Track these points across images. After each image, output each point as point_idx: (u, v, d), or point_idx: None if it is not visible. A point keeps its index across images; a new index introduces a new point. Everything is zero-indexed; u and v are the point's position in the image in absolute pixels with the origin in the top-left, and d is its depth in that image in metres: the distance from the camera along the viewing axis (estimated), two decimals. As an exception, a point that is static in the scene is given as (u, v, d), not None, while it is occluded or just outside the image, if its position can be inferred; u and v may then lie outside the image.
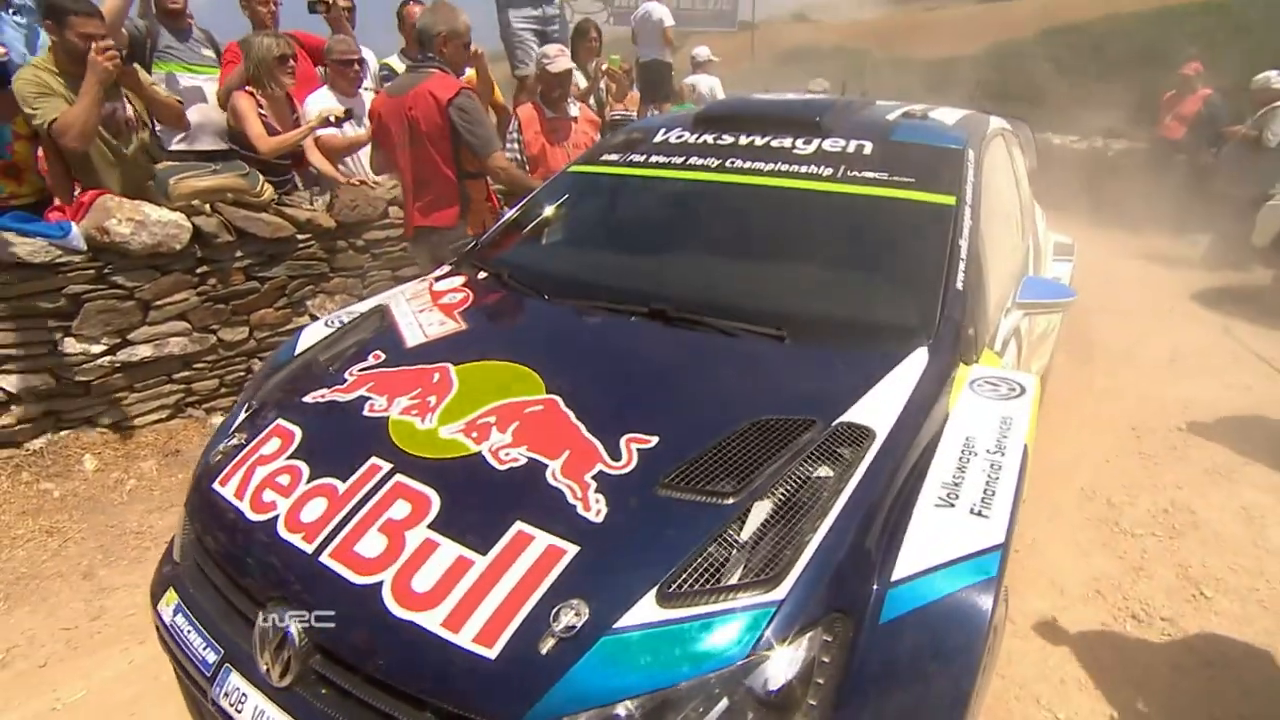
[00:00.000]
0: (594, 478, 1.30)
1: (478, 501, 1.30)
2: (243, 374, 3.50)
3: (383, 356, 1.77)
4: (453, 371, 1.65)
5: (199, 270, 3.24)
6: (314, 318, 3.59)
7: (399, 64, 4.11)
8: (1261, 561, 2.52)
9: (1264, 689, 2.02)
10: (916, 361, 1.56)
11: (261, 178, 3.42)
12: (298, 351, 1.94)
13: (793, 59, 14.73)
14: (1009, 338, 2.05)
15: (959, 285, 1.74)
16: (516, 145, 3.89)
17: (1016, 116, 3.52)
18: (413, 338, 1.85)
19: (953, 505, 1.26)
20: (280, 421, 1.60)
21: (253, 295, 3.44)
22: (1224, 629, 2.23)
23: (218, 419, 3.36)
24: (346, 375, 1.71)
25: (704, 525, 1.19)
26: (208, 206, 3.24)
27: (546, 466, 1.34)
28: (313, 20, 4.16)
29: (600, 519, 1.23)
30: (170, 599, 1.47)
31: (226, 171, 3.31)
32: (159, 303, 3.14)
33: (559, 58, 3.83)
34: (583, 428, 1.42)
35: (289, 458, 1.49)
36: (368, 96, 3.95)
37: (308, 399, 1.66)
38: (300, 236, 3.52)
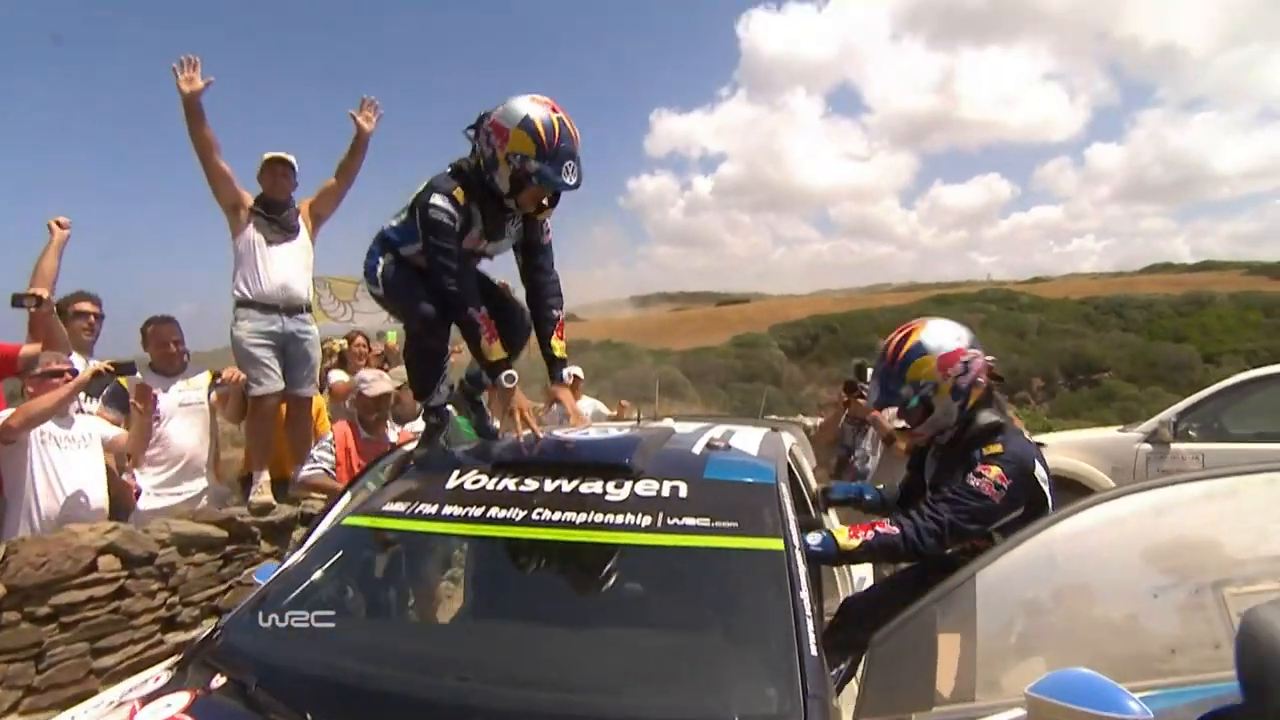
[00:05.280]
0: None
1: None
2: None
3: None
4: None
5: None
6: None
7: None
8: None
9: None
10: None
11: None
12: None
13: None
14: None
15: (813, 651, 1.54)
16: (330, 456, 3.76)
17: (782, 420, 3.82)
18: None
19: None
20: None
21: None
22: None
23: None
24: None
25: None
26: None
27: None
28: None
29: None
30: None
31: None
32: None
33: (376, 382, 3.85)
34: None
35: None
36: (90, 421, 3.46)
37: None
38: (-57, 613, 2.59)
